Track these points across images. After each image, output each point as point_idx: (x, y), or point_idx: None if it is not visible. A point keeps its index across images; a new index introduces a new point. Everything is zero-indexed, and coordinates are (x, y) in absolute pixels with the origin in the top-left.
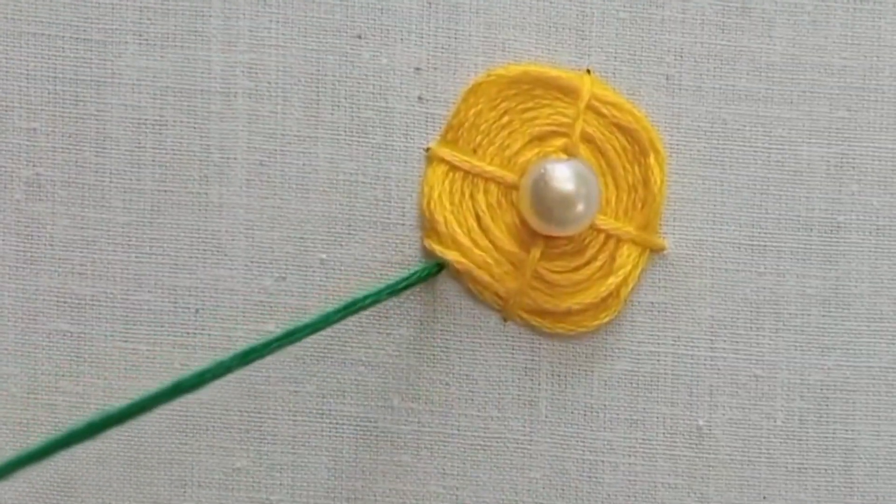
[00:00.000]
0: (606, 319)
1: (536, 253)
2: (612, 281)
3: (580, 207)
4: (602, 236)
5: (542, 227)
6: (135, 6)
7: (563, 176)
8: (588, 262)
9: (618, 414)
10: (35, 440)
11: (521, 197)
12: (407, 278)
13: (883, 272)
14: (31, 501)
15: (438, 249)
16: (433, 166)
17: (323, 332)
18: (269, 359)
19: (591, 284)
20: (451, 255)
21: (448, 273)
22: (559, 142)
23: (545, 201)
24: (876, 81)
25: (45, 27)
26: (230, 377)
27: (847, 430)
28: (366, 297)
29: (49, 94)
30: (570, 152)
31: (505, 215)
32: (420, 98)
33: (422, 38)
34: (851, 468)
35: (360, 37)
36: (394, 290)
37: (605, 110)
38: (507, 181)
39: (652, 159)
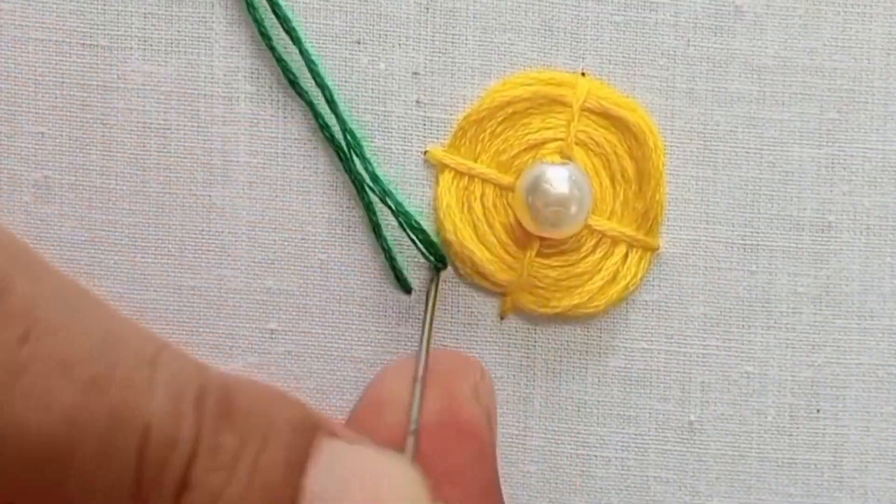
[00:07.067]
0: (603, 303)
1: (532, 252)
2: (606, 280)
3: (573, 210)
4: (597, 235)
5: (536, 228)
6: (140, 13)
7: (556, 179)
8: (583, 260)
9: (611, 410)
10: None
11: (516, 199)
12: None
13: (873, 271)
14: None
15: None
16: (443, 174)
17: (322, 331)
18: (269, 355)
19: (587, 283)
20: (455, 254)
21: (446, 273)
22: (555, 145)
23: (538, 204)
24: (866, 84)
25: (52, 33)
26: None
27: (837, 426)
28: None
29: (56, 98)
30: (564, 155)
31: (502, 216)
32: (418, 102)
33: (419, 43)
34: (841, 463)
35: (358, 42)
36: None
37: (603, 106)
38: (503, 184)
39: (651, 156)
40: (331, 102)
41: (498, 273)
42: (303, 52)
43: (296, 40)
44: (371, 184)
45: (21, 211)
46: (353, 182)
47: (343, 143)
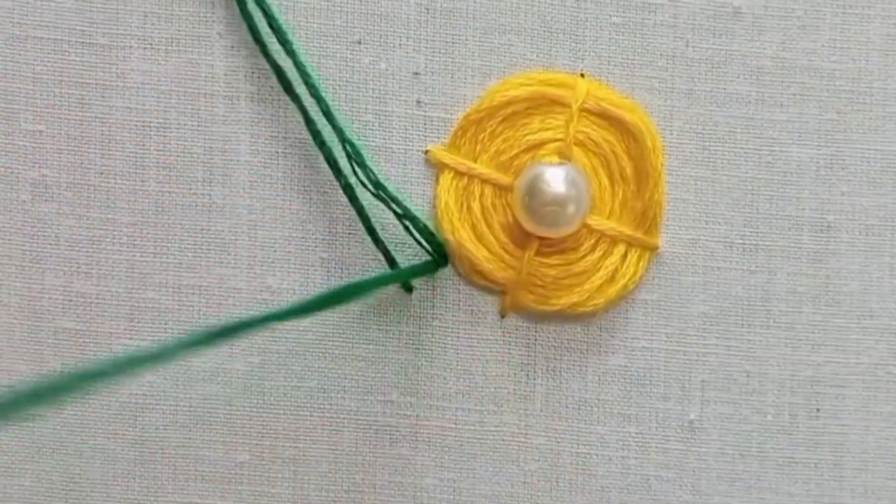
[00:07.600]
0: (602, 301)
1: (531, 252)
2: (605, 278)
3: (570, 209)
4: (596, 235)
5: (534, 228)
6: (139, 11)
7: (553, 179)
8: (582, 258)
9: (611, 408)
10: (40, 436)
11: (515, 199)
12: (412, 269)
13: (872, 270)
14: (37, 497)
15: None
16: (443, 174)
17: (323, 329)
18: (270, 354)
19: (586, 282)
20: (454, 253)
21: (446, 271)
22: (554, 145)
23: (536, 203)
24: (865, 84)
25: (51, 31)
26: (234, 374)
27: (837, 425)
28: (368, 283)
29: (55, 97)
30: (563, 155)
31: (501, 216)
32: (418, 102)
33: (420, 43)
34: (841, 462)
35: (359, 42)
36: (397, 278)
37: (601, 107)
38: (502, 184)
39: (649, 156)
40: (327, 115)
41: (496, 272)
42: (297, 65)
43: (290, 52)
44: (374, 189)
45: (19, 210)
46: (343, 189)
47: (335, 151)
